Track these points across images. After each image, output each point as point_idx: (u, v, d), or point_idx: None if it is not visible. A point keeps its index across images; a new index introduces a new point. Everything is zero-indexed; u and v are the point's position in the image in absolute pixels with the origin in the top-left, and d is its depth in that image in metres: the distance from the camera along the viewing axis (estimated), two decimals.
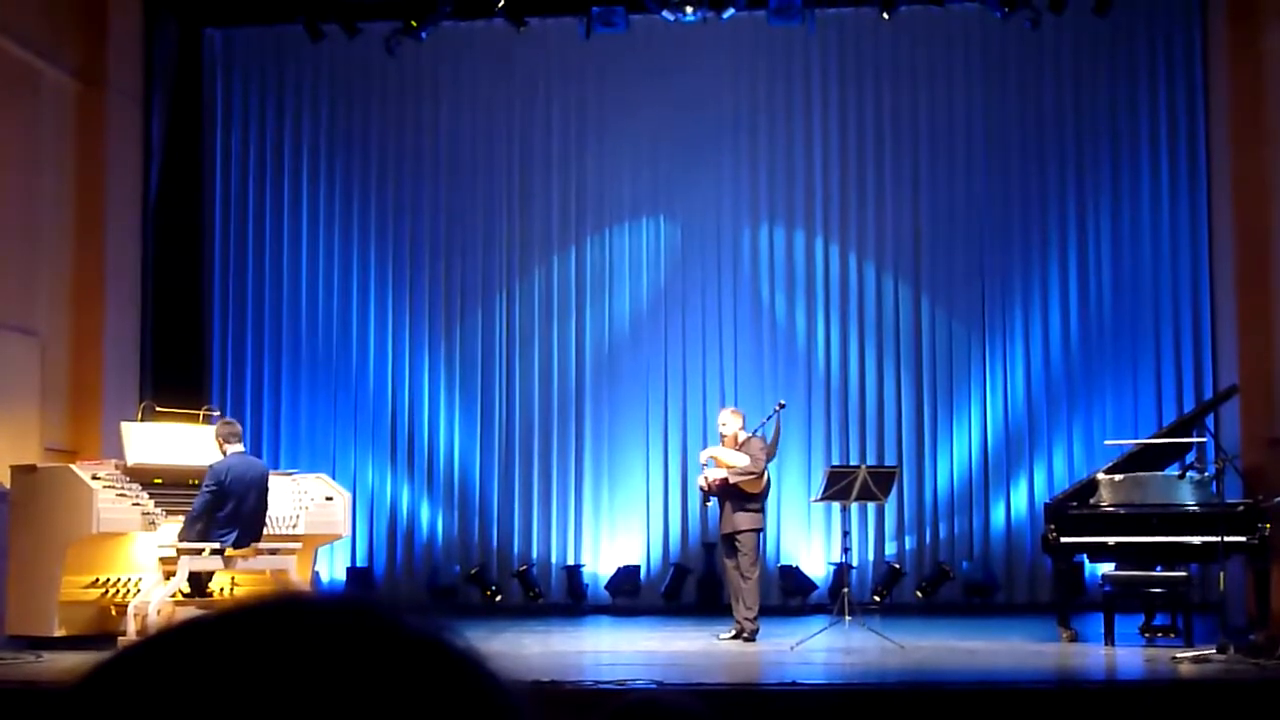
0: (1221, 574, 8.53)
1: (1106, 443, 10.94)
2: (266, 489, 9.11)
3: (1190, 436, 9.61)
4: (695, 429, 12.75)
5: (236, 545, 8.81)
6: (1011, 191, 12.85)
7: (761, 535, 9.88)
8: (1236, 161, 11.32)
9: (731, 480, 9.49)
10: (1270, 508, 8.84)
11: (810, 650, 8.78)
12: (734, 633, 9.49)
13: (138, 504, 9.10)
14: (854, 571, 11.61)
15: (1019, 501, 12.58)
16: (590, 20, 12.24)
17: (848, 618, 9.39)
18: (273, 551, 9.12)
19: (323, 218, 13.46)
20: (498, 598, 12.69)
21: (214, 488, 8.77)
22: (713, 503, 9.79)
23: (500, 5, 12.29)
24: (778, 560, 12.50)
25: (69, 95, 11.61)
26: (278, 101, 13.57)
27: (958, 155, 12.94)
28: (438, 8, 12.16)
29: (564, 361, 13.14)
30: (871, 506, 12.03)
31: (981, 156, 12.89)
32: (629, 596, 12.51)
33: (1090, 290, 12.72)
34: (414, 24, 12.22)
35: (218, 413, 10.40)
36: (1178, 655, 7.84)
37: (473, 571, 12.78)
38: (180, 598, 8.75)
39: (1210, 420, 9.84)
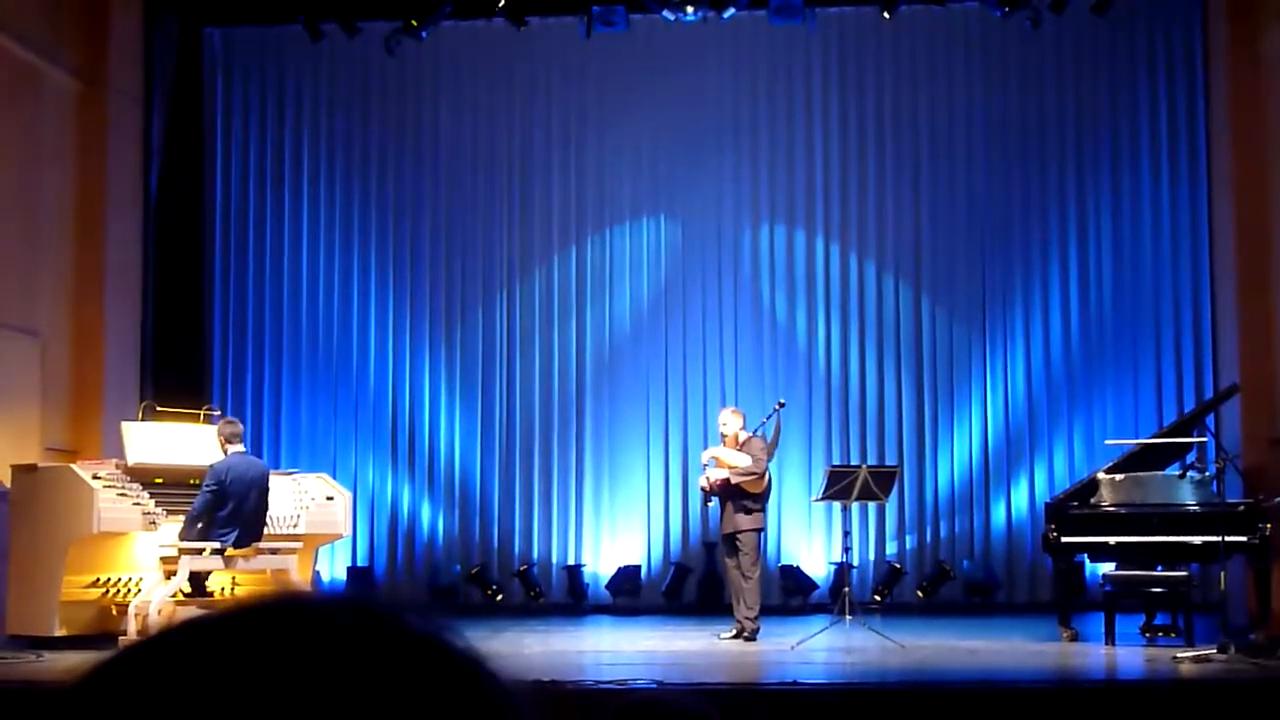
0: (1222, 574, 8.52)
1: (1107, 442, 10.93)
2: (267, 489, 9.11)
3: (1191, 436, 9.61)
4: (696, 428, 12.75)
5: (237, 545, 8.81)
6: (1012, 191, 12.85)
7: (762, 535, 9.88)
8: (1237, 161, 11.32)
9: (733, 480, 9.49)
10: (1271, 507, 8.84)
11: (811, 650, 8.78)
12: (735, 632, 9.49)
13: (138, 504, 9.10)
14: (855, 571, 11.62)
15: (1020, 501, 12.58)
16: (591, 20, 12.24)
17: (848, 617, 9.39)
18: (273, 551, 9.12)
19: (323, 217, 13.46)
20: (498, 597, 12.69)
21: (214, 487, 8.77)
22: (714, 503, 9.79)
23: (500, 5, 12.28)
24: (778, 560, 12.50)
25: (69, 95, 11.62)
26: (278, 101, 13.57)
27: (958, 154, 12.94)
28: (438, 7, 12.16)
29: (564, 361, 13.14)
30: (872, 506, 12.03)
31: (982, 156, 12.89)
32: (630, 596, 12.51)
33: (1090, 290, 12.72)
34: (414, 23, 12.22)
35: (218, 412, 10.41)
36: (1178, 655, 7.84)
37: (473, 571, 12.78)
38: (181, 597, 8.76)
39: (1211, 420, 9.83)
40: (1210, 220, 12.24)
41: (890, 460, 12.28)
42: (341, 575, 12.85)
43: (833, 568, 12.23)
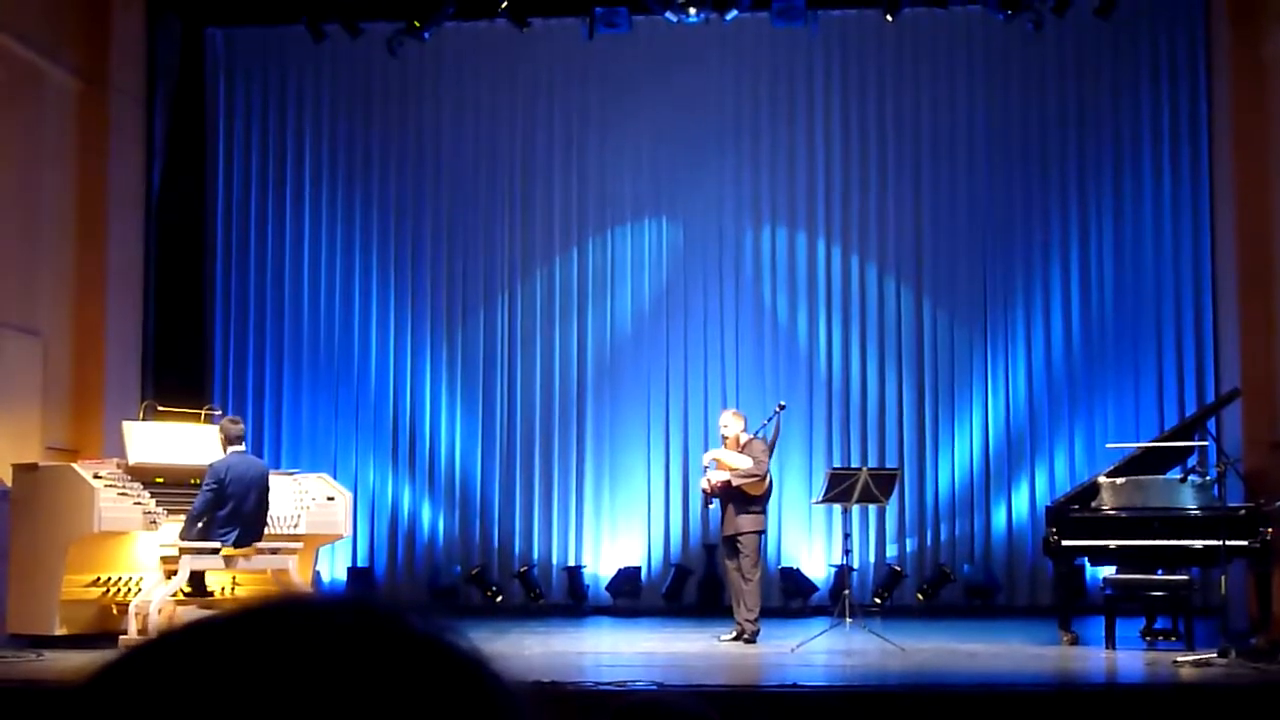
0: (1223, 578, 8.52)
1: (1108, 446, 10.92)
2: (267, 488, 9.11)
3: (1192, 440, 9.60)
4: (696, 430, 12.75)
5: (237, 545, 8.82)
6: (1014, 194, 12.85)
7: (763, 537, 9.88)
8: (1238, 164, 11.33)
9: (734, 482, 9.48)
10: (1272, 511, 8.84)
11: (811, 652, 8.78)
12: (735, 634, 9.49)
13: (139, 503, 9.10)
14: (855, 574, 11.61)
15: (1020, 504, 12.57)
16: (593, 21, 12.25)
17: (848, 620, 9.39)
18: (274, 551, 9.13)
19: (325, 217, 13.46)
20: (498, 598, 12.69)
21: (214, 486, 8.77)
22: (715, 504, 9.78)
23: (503, 6, 12.29)
24: (779, 562, 12.50)
25: (71, 94, 11.62)
26: (280, 101, 13.58)
27: (960, 157, 12.94)
28: (440, 8, 12.16)
29: (565, 362, 13.14)
30: (873, 508, 12.03)
31: (984, 159, 12.89)
32: (630, 598, 12.51)
33: (1092, 293, 12.72)
34: (416, 24, 12.23)
35: (219, 412, 10.41)
36: (1179, 659, 7.84)
37: (473, 572, 12.78)
38: (181, 597, 8.76)
39: (1212, 424, 9.84)
40: (1212, 223, 12.24)
41: (891, 463, 12.28)
42: (342, 576, 12.85)
43: (833, 570, 12.23)
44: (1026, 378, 12.73)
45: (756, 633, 9.44)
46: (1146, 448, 9.79)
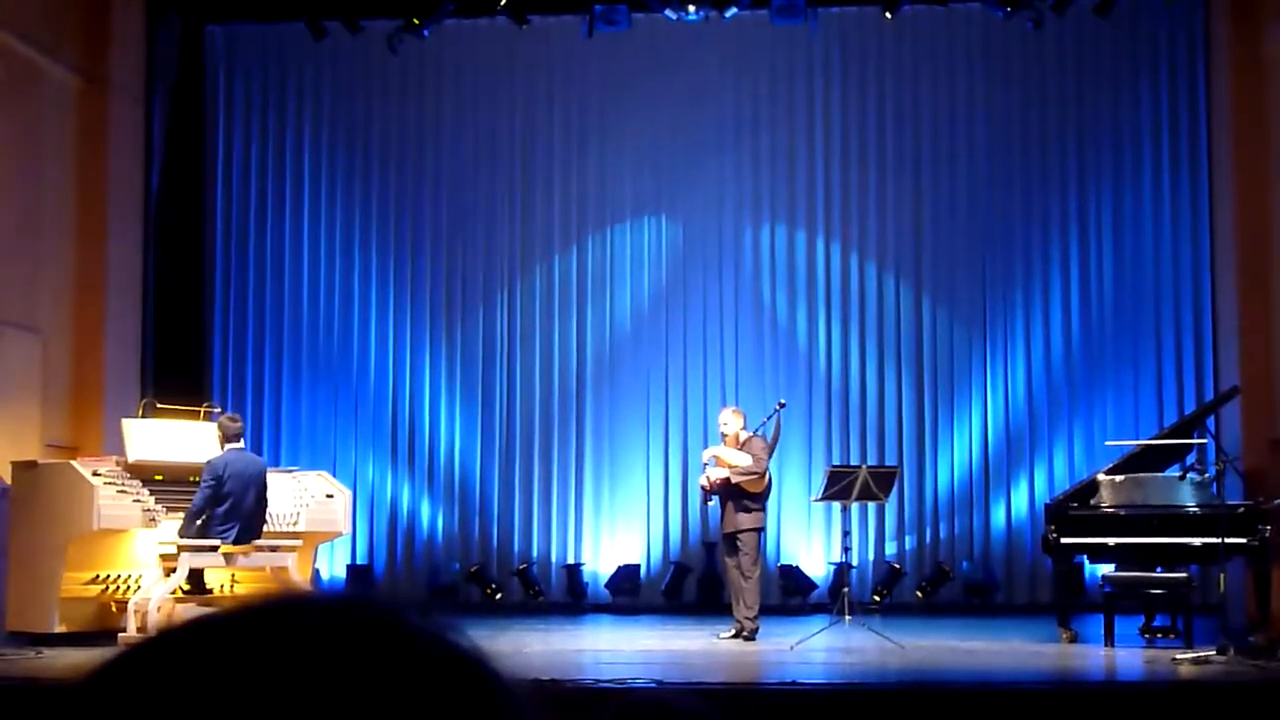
0: (1222, 575, 8.52)
1: (1107, 443, 10.93)
2: (265, 486, 9.11)
3: (1191, 438, 9.60)
4: (696, 428, 12.75)
5: (236, 542, 8.82)
6: (1013, 192, 12.85)
7: (762, 535, 9.87)
8: (1238, 162, 11.33)
9: (733, 480, 9.48)
10: (1271, 509, 8.84)
11: (810, 650, 8.78)
12: (734, 632, 9.49)
13: (138, 500, 9.10)
14: (854, 571, 11.60)
15: (1019, 502, 12.58)
16: (593, 18, 12.24)
17: (848, 617, 9.39)
18: (273, 549, 9.13)
19: (324, 215, 13.46)
20: (498, 596, 12.69)
21: (212, 482, 8.78)
22: (714, 502, 9.78)
23: (503, 3, 12.28)
24: (778, 560, 12.50)
25: (71, 92, 11.62)
26: (280, 99, 13.57)
27: (959, 155, 12.94)
28: (440, 5, 12.16)
29: (565, 360, 13.14)
30: (872, 506, 12.04)
31: (983, 156, 12.89)
32: (629, 595, 12.51)
33: (1091, 291, 12.72)
34: (416, 21, 12.23)
35: (219, 409, 10.41)
36: (1178, 657, 7.84)
37: (473, 569, 12.79)
38: (181, 594, 8.76)
39: (1211, 421, 9.84)
40: (1211, 221, 12.24)
41: (890, 460, 12.29)
42: (341, 573, 12.85)
43: (832, 568, 12.23)
44: (1026, 375, 12.73)
45: (756, 630, 9.44)
46: (1146, 445, 9.80)
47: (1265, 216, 10.99)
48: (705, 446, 10.82)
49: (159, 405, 10.31)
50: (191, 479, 9.17)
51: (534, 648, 9.03)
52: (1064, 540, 9.24)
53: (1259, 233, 11.05)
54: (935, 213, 12.91)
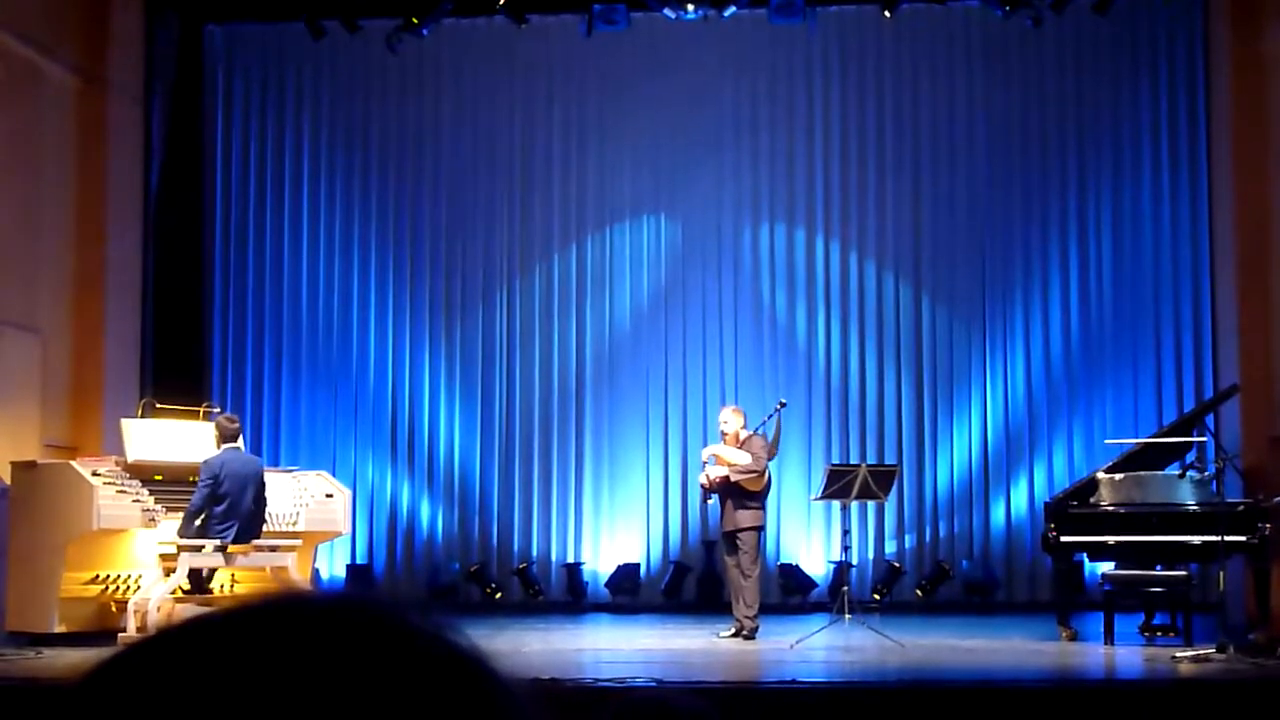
0: (1221, 573, 8.52)
1: (1107, 442, 10.93)
2: (263, 485, 9.11)
3: (1190, 435, 9.61)
4: (695, 427, 12.75)
5: (236, 541, 8.82)
6: (1012, 190, 12.85)
7: (762, 533, 9.87)
8: (1237, 160, 11.32)
9: (733, 478, 9.48)
10: (1270, 507, 8.84)
11: (810, 648, 8.78)
12: (734, 631, 9.49)
13: (138, 500, 9.10)
14: (854, 570, 11.61)
15: (1019, 500, 12.58)
16: (591, 18, 12.24)
17: (847, 616, 9.39)
18: (273, 548, 9.12)
19: (323, 215, 13.46)
20: (498, 595, 12.69)
21: (209, 481, 8.78)
22: (713, 500, 9.78)
23: (502, 2, 12.28)
24: (778, 558, 12.50)
25: (70, 92, 11.61)
26: (279, 98, 13.57)
27: (959, 154, 12.94)
28: (439, 4, 12.16)
29: (564, 359, 13.14)
30: (871, 505, 12.04)
31: (982, 154, 12.89)
32: (629, 594, 12.52)
33: (1091, 289, 12.72)
34: (415, 21, 12.23)
35: (218, 409, 10.40)
36: (1177, 655, 7.85)
37: (473, 569, 12.79)
38: (180, 594, 8.76)
39: (1210, 419, 9.83)
40: (1210, 219, 12.24)
41: (890, 459, 12.29)
42: (341, 573, 12.85)
43: (832, 566, 12.23)
44: (1025, 373, 12.73)
45: (755, 629, 9.44)
46: (1145, 443, 9.80)
47: (1265, 214, 10.99)
48: (705, 445, 10.81)
49: (158, 405, 10.31)
50: (191, 479, 9.17)
51: (534, 647, 9.04)
52: (1064, 538, 9.24)
53: (1258, 230, 11.05)
54: (934, 211, 12.91)
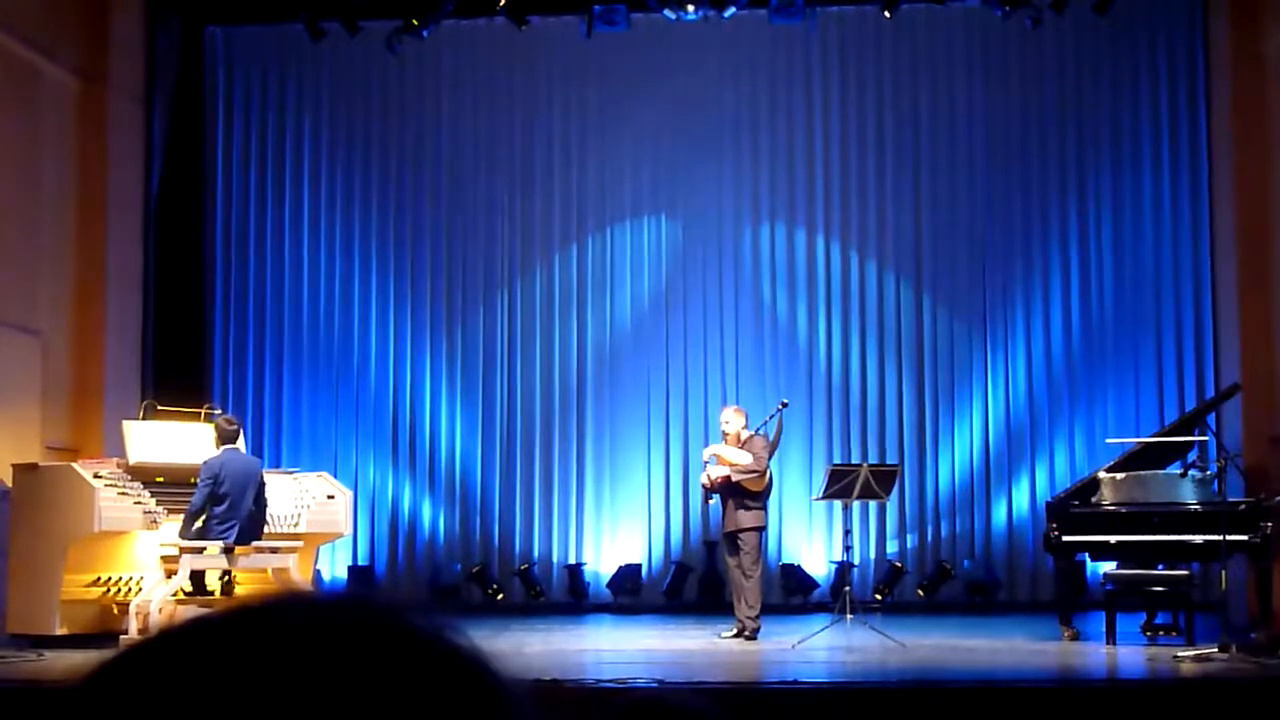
0: (1223, 573, 8.51)
1: (1108, 441, 10.93)
2: (263, 486, 9.12)
3: (1192, 435, 9.60)
4: (697, 427, 12.75)
5: (237, 542, 8.82)
6: (1013, 190, 12.85)
7: (764, 534, 9.87)
8: (1238, 160, 11.32)
9: (734, 478, 9.48)
10: (1272, 506, 8.85)
11: (812, 649, 8.78)
12: (735, 631, 9.49)
13: (139, 502, 9.10)
14: (855, 570, 11.62)
15: (1020, 500, 12.58)
16: (592, 19, 12.24)
17: (849, 616, 9.39)
18: (274, 550, 9.13)
19: (324, 216, 13.46)
20: (499, 596, 12.69)
21: (209, 481, 8.78)
22: (715, 500, 9.78)
23: (502, 4, 12.28)
24: (779, 559, 12.50)
25: (70, 93, 11.61)
26: (279, 99, 13.57)
27: (959, 154, 12.94)
28: (439, 6, 12.16)
29: (565, 359, 13.15)
30: (873, 505, 12.04)
31: (983, 155, 12.89)
32: (630, 595, 12.52)
33: (1092, 288, 12.72)
34: (415, 22, 12.22)
35: (219, 411, 10.40)
36: (1179, 654, 7.85)
37: (474, 570, 12.79)
38: (182, 596, 8.76)
39: (1212, 419, 9.83)
40: (1211, 219, 12.24)
41: (891, 459, 12.29)
42: (342, 574, 12.85)
43: (833, 566, 12.23)
44: (1026, 373, 12.73)
45: (757, 629, 9.44)
46: (1147, 443, 9.80)
47: (1265, 214, 10.99)
48: (706, 445, 10.81)
49: (159, 407, 10.32)
50: (192, 480, 9.17)
51: (535, 648, 9.04)
52: (1065, 538, 9.24)
53: (1259, 230, 11.04)
54: (935, 211, 12.91)
